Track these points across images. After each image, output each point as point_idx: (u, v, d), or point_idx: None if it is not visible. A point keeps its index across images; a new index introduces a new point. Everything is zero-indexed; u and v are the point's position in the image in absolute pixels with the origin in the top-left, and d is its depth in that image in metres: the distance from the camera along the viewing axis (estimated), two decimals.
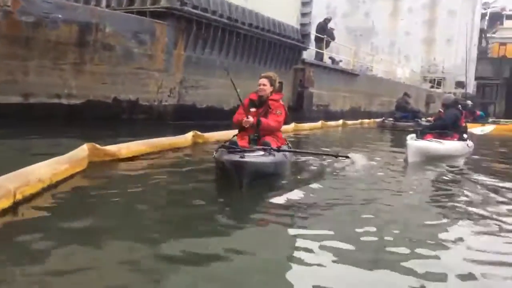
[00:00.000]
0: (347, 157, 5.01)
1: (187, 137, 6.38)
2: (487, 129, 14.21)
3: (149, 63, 8.78)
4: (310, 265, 2.24)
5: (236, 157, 3.57)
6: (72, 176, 3.72)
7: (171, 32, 9.09)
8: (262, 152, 3.90)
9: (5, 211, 2.68)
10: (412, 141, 6.29)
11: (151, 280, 1.99)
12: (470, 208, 3.55)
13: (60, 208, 2.97)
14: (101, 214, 2.91)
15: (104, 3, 9.40)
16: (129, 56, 8.37)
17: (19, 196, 2.86)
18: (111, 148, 4.69)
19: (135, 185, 3.69)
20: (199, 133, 6.55)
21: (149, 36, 8.66)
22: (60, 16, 7.37)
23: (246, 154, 3.68)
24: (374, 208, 3.39)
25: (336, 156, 4.92)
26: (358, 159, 5.23)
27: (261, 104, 4.56)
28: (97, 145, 4.43)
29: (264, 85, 4.55)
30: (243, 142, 4.24)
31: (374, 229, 2.81)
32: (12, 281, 1.91)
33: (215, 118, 9.81)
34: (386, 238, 2.66)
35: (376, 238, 2.66)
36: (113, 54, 8.11)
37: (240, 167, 3.51)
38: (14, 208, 2.77)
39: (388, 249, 2.49)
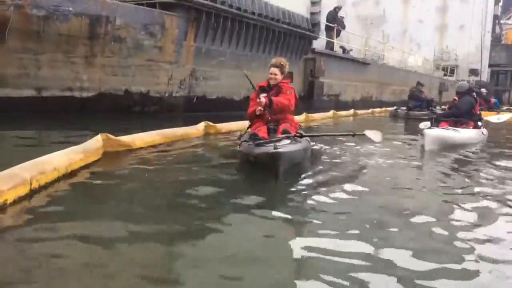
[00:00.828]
0: (363, 134, 5.14)
1: (199, 128, 6.41)
2: (504, 117, 13.97)
3: (160, 55, 8.79)
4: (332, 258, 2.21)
5: (270, 149, 3.59)
6: (87, 166, 3.78)
7: (181, 24, 9.08)
8: (288, 141, 3.93)
9: (21, 199, 2.73)
10: (429, 129, 6.33)
11: (166, 274, 2.02)
12: (487, 194, 3.55)
13: (74, 197, 3.01)
14: (115, 204, 2.94)
15: None
16: (139, 48, 8.39)
17: (35, 185, 2.92)
18: (125, 138, 4.74)
19: (149, 175, 3.73)
20: (211, 123, 6.58)
21: (159, 27, 8.66)
22: (70, 9, 7.41)
23: (276, 144, 3.67)
24: (396, 195, 3.46)
25: (353, 135, 5.10)
26: (374, 135, 5.21)
27: (271, 89, 4.62)
28: (111, 136, 4.47)
29: (275, 74, 4.59)
30: (261, 133, 4.24)
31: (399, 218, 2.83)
32: (25, 267, 1.94)
33: (226, 109, 9.83)
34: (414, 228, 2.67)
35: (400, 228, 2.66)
36: (124, 46, 8.14)
37: (276, 158, 3.53)
38: (30, 196, 2.82)
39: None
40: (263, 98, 4.36)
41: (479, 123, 7.62)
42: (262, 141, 3.88)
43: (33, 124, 6.05)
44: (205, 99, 10.04)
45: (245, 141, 4.13)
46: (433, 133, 6.17)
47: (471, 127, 7.35)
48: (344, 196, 3.31)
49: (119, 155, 4.46)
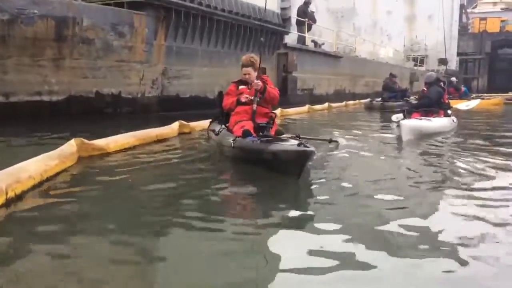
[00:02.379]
0: (337, 141, 5.40)
1: (173, 127, 6.36)
2: (472, 103, 14.44)
3: (130, 55, 8.68)
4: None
5: (294, 147, 3.45)
6: (62, 172, 3.71)
7: (150, 23, 8.98)
8: (296, 141, 3.78)
9: None
10: (405, 120, 6.55)
11: (142, 277, 1.99)
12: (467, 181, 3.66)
13: (51, 204, 2.95)
14: (93, 210, 2.89)
15: None
16: (108, 49, 8.26)
17: (11, 194, 2.85)
18: (99, 142, 4.68)
19: (125, 179, 3.67)
20: (184, 122, 6.53)
21: (128, 27, 8.55)
22: (35, 11, 7.24)
23: (302, 143, 3.57)
24: (384, 191, 3.38)
25: (330, 141, 5.32)
26: (344, 141, 5.45)
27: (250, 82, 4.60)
28: (85, 140, 4.41)
29: (249, 74, 4.58)
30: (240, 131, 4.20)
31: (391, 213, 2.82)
32: (17, 278, 1.90)
33: (200, 107, 9.79)
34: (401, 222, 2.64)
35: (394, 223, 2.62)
36: (92, 48, 8.00)
37: (306, 156, 3.40)
38: (6, 205, 2.76)
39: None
40: (259, 82, 4.34)
41: (449, 112, 7.87)
42: (271, 138, 3.80)
43: (2, 131, 5.90)
44: (178, 98, 9.97)
45: (235, 138, 4.04)
46: (409, 124, 6.36)
47: (442, 116, 7.59)
48: (337, 197, 3.21)
49: (94, 160, 4.39)
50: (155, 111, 9.26)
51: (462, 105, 13.52)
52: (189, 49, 10.05)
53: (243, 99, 4.49)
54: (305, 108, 12.23)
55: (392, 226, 2.54)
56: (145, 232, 2.48)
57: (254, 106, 4.35)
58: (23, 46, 7.16)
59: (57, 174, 3.62)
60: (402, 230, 2.48)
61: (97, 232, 2.44)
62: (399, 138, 6.21)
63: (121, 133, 5.25)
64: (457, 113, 9.54)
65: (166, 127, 6.27)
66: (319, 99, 15.44)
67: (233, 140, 4.04)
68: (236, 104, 4.55)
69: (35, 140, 5.72)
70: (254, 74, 4.55)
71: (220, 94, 5.23)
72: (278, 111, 10.03)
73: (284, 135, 4.09)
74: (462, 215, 2.82)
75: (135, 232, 2.47)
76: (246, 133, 4.05)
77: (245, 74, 4.60)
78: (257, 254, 2.22)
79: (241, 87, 4.65)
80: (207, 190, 3.37)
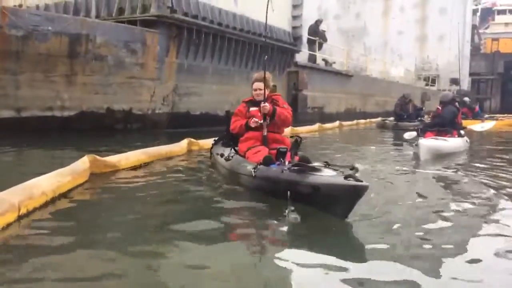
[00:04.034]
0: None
1: (182, 145, 6.36)
2: (487, 125, 14.17)
3: (141, 72, 8.77)
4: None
5: (344, 180, 2.80)
6: (74, 189, 3.70)
7: (162, 40, 9.09)
8: (334, 171, 3.16)
9: (9, 225, 2.66)
10: (423, 140, 6.60)
11: None
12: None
13: (63, 221, 2.93)
14: (104, 227, 2.86)
15: (93, 13, 9.40)
16: (120, 65, 8.36)
17: (23, 210, 2.84)
18: (111, 159, 4.70)
19: (135, 197, 3.66)
20: (193, 140, 6.53)
21: (140, 45, 8.65)
22: (49, 28, 7.38)
23: (350, 174, 2.97)
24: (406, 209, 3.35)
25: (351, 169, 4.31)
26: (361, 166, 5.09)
27: (261, 102, 4.22)
28: (98, 157, 4.42)
29: (260, 89, 4.25)
30: (261, 155, 3.78)
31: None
32: None
33: (210, 124, 9.80)
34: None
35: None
36: (105, 64, 8.11)
37: (358, 193, 2.78)
38: (18, 221, 2.75)
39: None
40: (267, 104, 4.01)
41: (462, 132, 7.81)
42: (302, 166, 3.15)
43: (14, 145, 5.94)
44: (189, 114, 10.01)
45: (256, 166, 3.47)
46: (427, 144, 6.41)
47: (455, 136, 7.54)
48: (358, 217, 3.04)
49: (106, 176, 4.40)
50: (165, 128, 9.30)
51: (477, 126, 13.32)
52: (200, 67, 10.12)
53: (252, 124, 4.12)
54: (315, 126, 12.18)
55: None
56: (153, 249, 2.45)
57: (265, 131, 4.07)
58: (37, 62, 7.27)
59: (70, 190, 3.61)
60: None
61: (107, 249, 2.41)
62: (415, 158, 6.24)
63: (132, 150, 5.28)
64: (470, 133, 9.43)
65: (175, 144, 6.28)
66: (330, 118, 15.39)
67: (254, 169, 3.49)
68: (245, 129, 4.22)
69: (47, 155, 5.75)
70: (266, 90, 4.25)
71: (228, 114, 5.13)
72: (288, 129, 10.01)
73: (317, 164, 3.34)
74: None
75: (144, 249, 2.44)
76: (268, 160, 3.56)
77: (255, 90, 4.30)
78: (266, 273, 2.17)
79: (252, 109, 4.30)
80: (214, 208, 3.33)
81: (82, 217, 3.06)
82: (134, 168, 4.91)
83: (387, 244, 2.55)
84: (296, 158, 3.68)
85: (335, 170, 3.17)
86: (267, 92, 4.25)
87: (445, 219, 3.07)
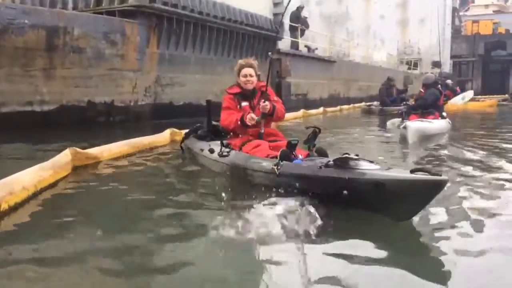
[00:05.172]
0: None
1: (165, 135, 6.34)
2: (468, 95, 14.63)
3: (122, 63, 8.66)
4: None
5: (417, 175, 2.41)
6: (56, 182, 3.67)
7: (142, 31, 8.97)
8: (375, 164, 2.78)
9: None
10: (411, 122, 6.71)
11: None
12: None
13: (45, 216, 2.92)
14: (87, 221, 2.84)
15: (71, 5, 9.22)
16: (100, 57, 8.24)
17: (4, 206, 2.81)
18: (93, 151, 4.67)
19: (119, 188, 3.66)
20: (176, 130, 6.51)
21: (119, 36, 8.53)
22: (26, 21, 7.22)
23: (375, 166, 2.69)
24: None
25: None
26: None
27: (253, 95, 3.99)
28: (79, 149, 4.38)
29: (251, 76, 3.93)
30: (263, 152, 3.52)
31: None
32: None
33: (193, 114, 9.74)
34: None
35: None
36: (84, 57, 7.98)
37: (439, 189, 2.40)
38: (0, 218, 2.72)
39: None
40: (267, 103, 3.68)
41: (444, 114, 8.01)
42: (344, 160, 2.70)
43: None
44: (172, 105, 9.93)
45: (278, 162, 3.08)
46: (415, 126, 6.52)
47: (438, 118, 7.73)
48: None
49: (88, 169, 4.37)
50: (148, 119, 9.22)
51: (458, 98, 13.68)
52: (181, 57, 10.03)
53: (248, 122, 3.74)
54: (300, 113, 12.22)
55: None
56: (139, 242, 2.42)
57: (262, 129, 3.83)
58: (14, 56, 7.13)
59: (52, 184, 3.58)
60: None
61: (91, 242, 2.39)
62: (403, 140, 6.37)
63: (115, 142, 5.24)
64: (451, 115, 9.59)
65: (157, 135, 6.27)
66: (313, 104, 15.42)
67: (276, 165, 3.08)
68: (241, 126, 3.84)
69: (28, 150, 5.68)
70: (255, 78, 3.96)
71: (209, 103, 4.87)
72: None
73: (353, 156, 2.76)
74: None
75: (129, 242, 2.43)
76: (286, 155, 3.20)
77: (245, 76, 3.92)
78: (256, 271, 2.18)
79: (243, 103, 3.96)
80: (198, 199, 3.33)
81: (65, 211, 3.04)
82: (117, 159, 4.88)
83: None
84: (299, 152, 3.38)
85: (371, 162, 2.76)
86: (256, 81, 3.98)
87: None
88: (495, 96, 25.70)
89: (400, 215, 2.54)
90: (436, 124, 7.34)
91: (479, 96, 24.67)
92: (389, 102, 13.85)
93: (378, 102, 14.64)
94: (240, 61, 4.07)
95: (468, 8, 47.55)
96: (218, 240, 2.35)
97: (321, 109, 13.95)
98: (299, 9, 16.90)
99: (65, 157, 4.13)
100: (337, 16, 30.70)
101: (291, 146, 3.28)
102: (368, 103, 15.09)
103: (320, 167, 2.82)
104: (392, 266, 2.11)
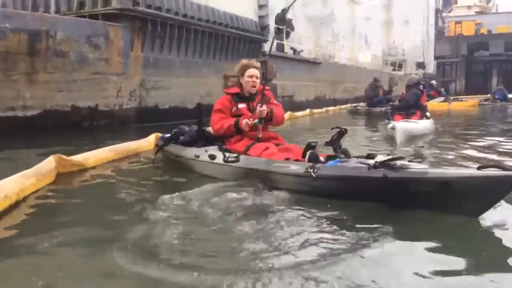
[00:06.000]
0: None
1: (150, 140, 6.28)
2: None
3: (106, 67, 8.58)
4: None
5: (484, 172, 2.45)
6: (40, 190, 3.60)
7: (126, 34, 8.90)
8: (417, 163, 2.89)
9: None
10: (399, 123, 6.87)
11: None
12: None
13: (28, 225, 2.85)
14: (72, 230, 2.77)
15: (53, 8, 9.12)
16: (84, 61, 8.15)
17: None
18: (78, 157, 4.59)
19: (105, 195, 3.61)
20: (160, 134, 6.46)
21: (103, 39, 8.45)
22: (7, 25, 7.11)
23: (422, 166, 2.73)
24: None
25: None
26: None
27: (251, 97, 3.82)
28: (64, 156, 4.31)
29: (257, 77, 3.72)
30: (279, 155, 3.35)
31: None
32: None
33: (180, 117, 9.69)
34: None
35: None
36: (67, 61, 7.88)
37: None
38: None
39: None
40: (264, 106, 3.55)
41: (427, 114, 8.16)
42: (394, 160, 2.68)
43: None
44: (157, 109, 9.87)
45: (313, 164, 2.95)
46: (403, 126, 6.71)
47: (423, 118, 7.89)
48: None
49: (73, 176, 4.29)
50: (133, 123, 9.14)
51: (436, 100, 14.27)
52: (166, 60, 9.98)
53: (245, 127, 3.59)
54: (286, 115, 12.20)
55: None
56: (124, 251, 2.36)
57: (260, 133, 3.66)
58: None
59: (35, 192, 3.51)
60: None
61: (75, 251, 2.36)
62: (390, 140, 6.61)
63: (100, 147, 5.18)
64: (434, 116, 9.73)
65: (143, 140, 6.20)
66: (300, 106, 15.47)
67: (311, 168, 2.94)
68: (236, 132, 3.69)
69: (11, 157, 5.57)
70: (259, 80, 3.75)
71: (199, 106, 4.62)
72: None
73: (396, 156, 2.81)
74: None
75: (114, 251, 2.35)
76: (315, 157, 3.10)
77: (252, 77, 3.71)
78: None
79: (241, 105, 3.77)
80: (185, 202, 3.29)
81: (48, 219, 2.98)
82: (102, 166, 4.83)
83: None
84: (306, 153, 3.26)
85: (410, 161, 2.75)
86: (259, 85, 3.79)
87: None
88: (477, 96, 26.09)
89: (469, 212, 2.51)
90: (422, 125, 7.55)
91: (462, 96, 25.02)
92: (376, 103, 13.98)
93: (365, 103, 14.77)
94: (244, 61, 3.87)
95: (451, 9, 48.19)
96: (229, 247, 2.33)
97: (307, 111, 14.00)
98: (284, 11, 16.92)
99: (49, 164, 4.05)
100: (322, 18, 30.75)
101: (311, 148, 3.18)
102: (354, 104, 15.23)
103: (369, 168, 2.73)
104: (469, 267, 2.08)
